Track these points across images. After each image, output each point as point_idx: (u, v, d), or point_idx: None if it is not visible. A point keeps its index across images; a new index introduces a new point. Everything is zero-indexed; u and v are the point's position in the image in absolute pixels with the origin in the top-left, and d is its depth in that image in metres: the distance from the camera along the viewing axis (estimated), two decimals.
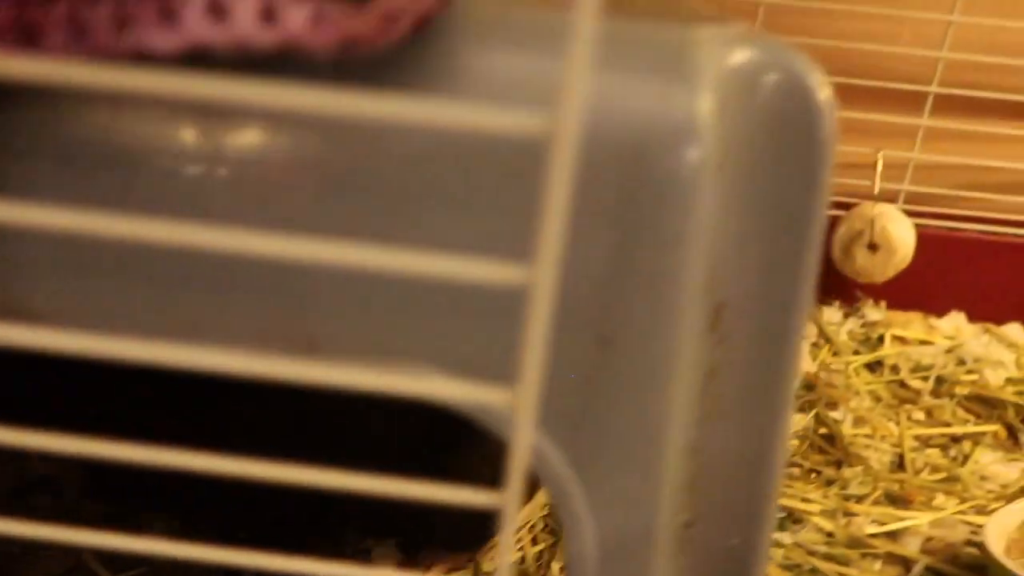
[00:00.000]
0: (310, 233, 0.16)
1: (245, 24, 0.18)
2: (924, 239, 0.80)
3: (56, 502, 0.52)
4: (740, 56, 0.23)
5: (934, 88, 0.76)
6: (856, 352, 0.78)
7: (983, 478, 0.63)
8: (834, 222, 0.80)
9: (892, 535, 0.56)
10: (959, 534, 0.55)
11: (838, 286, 0.84)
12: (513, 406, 0.17)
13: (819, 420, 0.69)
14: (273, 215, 0.22)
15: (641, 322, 0.23)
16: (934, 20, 0.76)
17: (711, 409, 0.29)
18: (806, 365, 0.75)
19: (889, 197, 0.80)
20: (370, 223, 0.22)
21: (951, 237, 0.82)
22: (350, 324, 0.23)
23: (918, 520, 0.56)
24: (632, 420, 0.24)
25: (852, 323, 0.82)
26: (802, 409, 0.70)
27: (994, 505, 0.58)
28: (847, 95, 0.78)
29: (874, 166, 0.77)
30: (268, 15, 0.18)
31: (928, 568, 0.52)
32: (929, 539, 0.55)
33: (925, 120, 0.78)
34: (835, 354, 0.78)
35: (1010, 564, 0.46)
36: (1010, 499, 0.58)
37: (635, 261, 0.22)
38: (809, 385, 0.73)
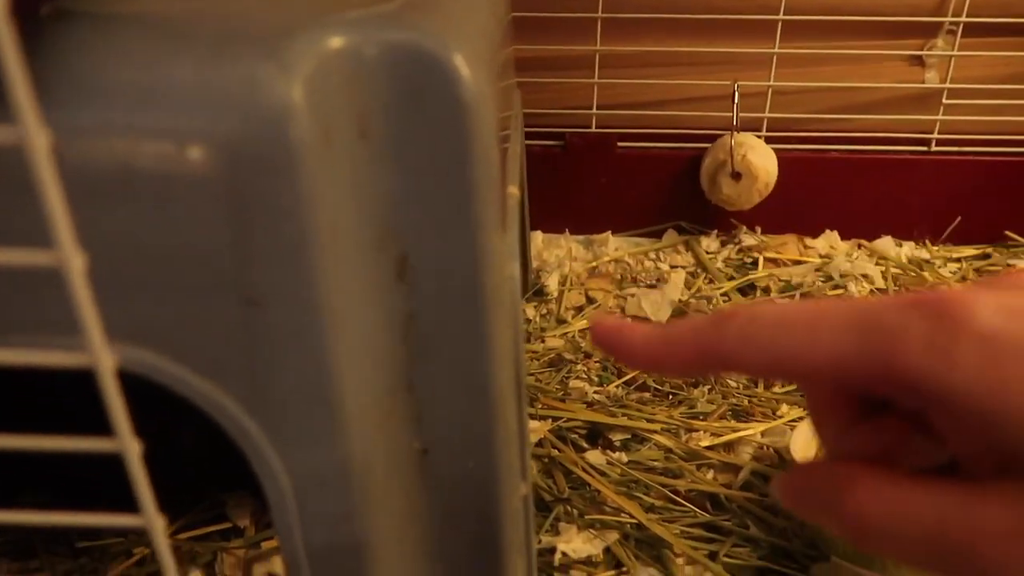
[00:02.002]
0: None
1: None
2: (790, 163, 0.83)
3: None
4: (343, 39, 0.26)
5: (781, 16, 0.78)
6: (731, 278, 0.82)
7: None
8: (703, 154, 0.83)
9: (729, 446, 0.60)
10: (787, 440, 0.59)
11: (716, 216, 0.87)
12: (94, 360, 0.21)
13: None
14: None
15: (280, 284, 0.26)
16: None
17: (418, 349, 0.33)
18: (678, 294, 0.79)
19: (752, 126, 0.83)
20: None
21: (817, 159, 0.85)
22: None
23: (752, 430, 0.61)
24: (296, 371, 0.27)
25: (729, 250, 0.86)
26: None
27: None
28: (702, 30, 0.81)
29: (732, 97, 0.80)
30: None
31: (754, 472, 0.57)
32: (761, 447, 0.60)
33: (777, 48, 0.80)
34: (710, 281, 0.82)
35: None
36: None
37: (259, 232, 0.25)
38: (680, 313, 0.77)
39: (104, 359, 0.21)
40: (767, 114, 0.83)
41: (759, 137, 0.82)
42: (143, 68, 0.24)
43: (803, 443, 0.54)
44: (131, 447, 0.22)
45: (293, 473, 0.29)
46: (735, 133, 0.79)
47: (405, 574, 0.34)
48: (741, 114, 0.80)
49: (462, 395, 0.34)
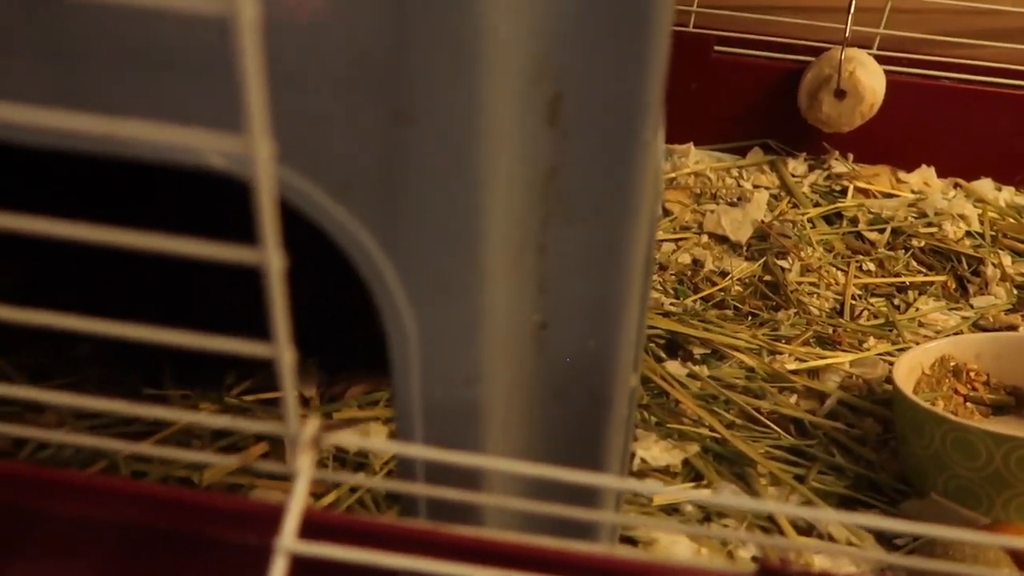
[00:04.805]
0: None
1: None
2: (897, 87, 0.77)
3: None
4: None
5: None
6: (817, 204, 0.77)
7: (921, 324, 0.64)
8: (805, 68, 0.78)
9: (813, 373, 0.57)
10: (879, 372, 0.56)
11: (806, 138, 0.82)
12: (248, 151, 0.17)
13: (766, 268, 0.69)
14: None
15: (439, 97, 0.22)
16: None
17: (555, 208, 0.29)
18: (760, 214, 0.74)
19: (864, 42, 0.77)
20: None
21: (927, 85, 0.78)
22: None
23: (840, 359, 0.57)
24: (442, 208, 0.24)
25: (817, 175, 0.81)
26: (751, 258, 0.71)
27: None
28: None
29: (847, 8, 0.73)
30: None
31: (841, 402, 0.54)
32: (849, 376, 0.56)
33: None
34: (794, 206, 0.77)
35: (910, 395, 0.47)
36: None
37: (422, 31, 0.21)
38: (762, 235, 0.73)
39: (262, 148, 0.18)
40: (881, 30, 0.77)
41: (870, 55, 0.76)
42: None
43: (905, 372, 0.50)
44: (275, 261, 0.19)
45: (422, 322, 0.26)
46: (845, 47, 0.73)
47: (510, 442, 0.31)
48: (853, 28, 0.74)
49: (594, 265, 0.30)
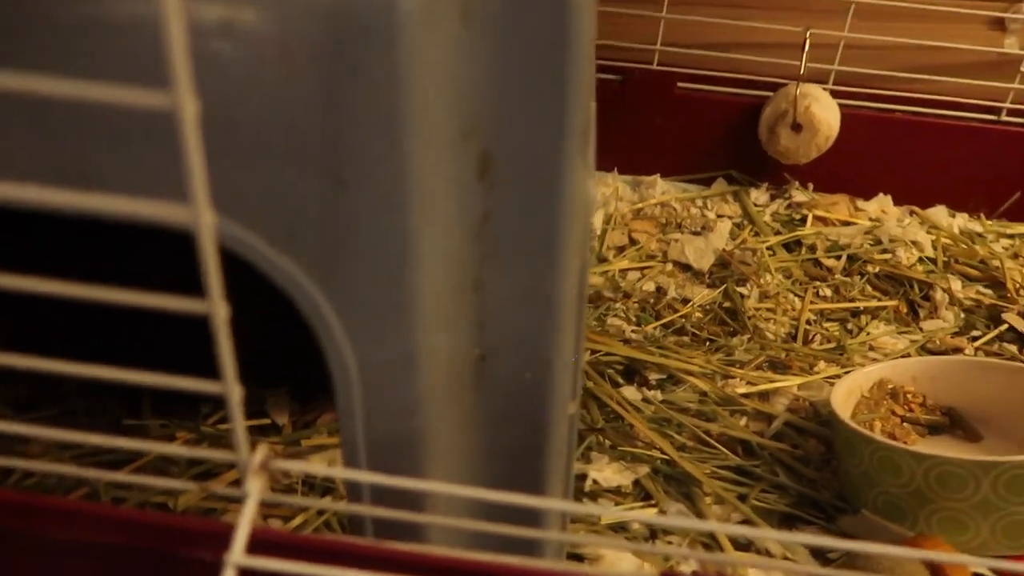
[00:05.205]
0: None
1: None
2: (853, 120, 0.80)
3: None
4: None
5: None
6: (777, 232, 0.81)
7: (872, 348, 0.67)
8: (764, 103, 0.81)
9: (764, 395, 0.60)
10: (824, 394, 0.59)
11: (768, 169, 0.85)
12: (195, 219, 0.21)
13: (726, 295, 0.72)
14: None
15: (371, 162, 0.25)
16: None
17: (490, 251, 0.32)
18: (722, 243, 0.78)
19: (819, 77, 0.81)
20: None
21: (880, 118, 0.82)
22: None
23: (789, 383, 0.60)
24: (377, 259, 0.27)
25: (778, 204, 0.84)
26: (713, 285, 0.74)
27: None
28: None
29: (803, 46, 0.77)
30: None
31: (787, 423, 0.57)
32: (797, 399, 0.59)
33: None
34: (756, 234, 0.80)
35: (842, 416, 0.50)
36: None
37: (357, 104, 0.25)
38: (724, 263, 0.76)
39: (205, 216, 0.21)
40: (836, 66, 0.80)
41: (825, 90, 0.79)
42: None
43: (844, 395, 0.53)
44: (220, 310, 0.22)
45: (362, 360, 0.29)
46: (800, 83, 0.77)
47: (454, 470, 0.34)
48: (809, 65, 0.78)
49: (527, 302, 0.33)
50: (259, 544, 0.26)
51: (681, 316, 0.69)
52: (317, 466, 0.39)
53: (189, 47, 0.23)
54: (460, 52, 0.27)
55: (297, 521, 0.46)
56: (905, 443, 0.51)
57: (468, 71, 0.28)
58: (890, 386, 0.55)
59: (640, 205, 0.83)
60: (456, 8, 0.26)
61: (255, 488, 0.26)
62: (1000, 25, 0.80)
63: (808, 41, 0.77)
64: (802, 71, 0.77)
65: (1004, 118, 0.81)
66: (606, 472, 0.51)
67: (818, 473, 0.53)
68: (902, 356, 0.64)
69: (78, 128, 0.26)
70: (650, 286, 0.73)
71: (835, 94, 0.80)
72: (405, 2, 0.24)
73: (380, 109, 0.25)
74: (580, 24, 0.28)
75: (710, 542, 0.47)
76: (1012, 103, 0.80)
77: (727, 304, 0.71)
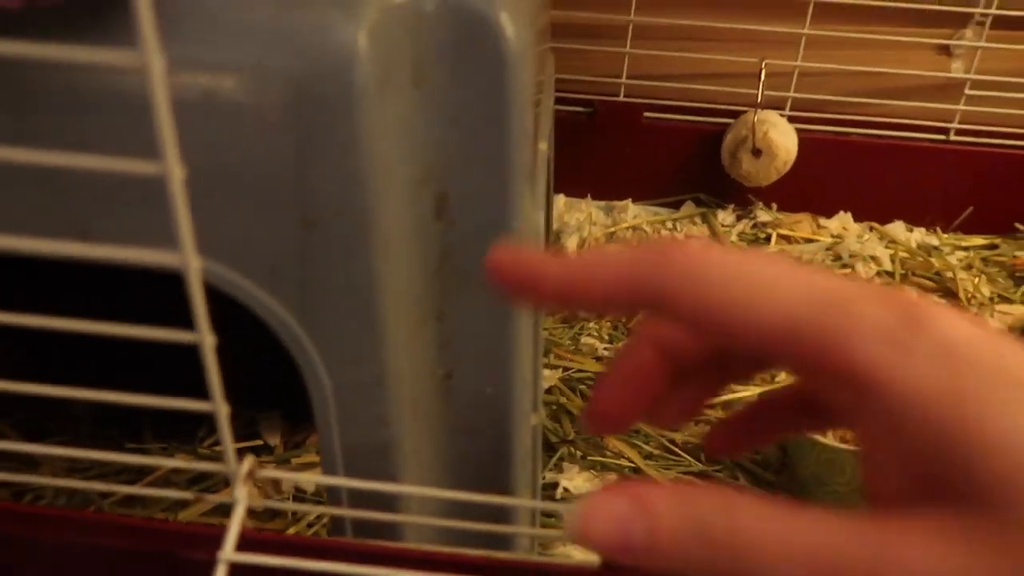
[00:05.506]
0: None
1: None
2: (811, 143, 0.85)
3: None
4: None
5: None
6: None
7: None
8: (725, 130, 0.86)
9: (727, 405, 0.64)
10: None
11: (734, 191, 0.90)
12: (183, 263, 0.25)
13: None
14: None
15: (336, 210, 0.29)
16: None
17: (450, 283, 0.36)
18: None
19: (776, 105, 0.85)
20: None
21: (837, 141, 0.87)
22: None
23: (750, 392, 0.64)
24: (346, 292, 0.31)
25: (744, 225, 0.89)
26: None
27: None
28: (734, 8, 0.83)
29: (759, 75, 0.82)
30: None
31: None
32: None
33: (807, 29, 0.82)
34: None
35: None
36: None
37: (322, 161, 0.29)
38: None
39: (193, 261, 0.25)
40: (792, 94, 0.85)
41: (782, 116, 0.84)
42: (229, 9, 0.28)
43: None
44: (208, 340, 0.26)
45: (335, 380, 0.33)
46: (758, 110, 0.82)
47: (424, 476, 0.38)
48: (766, 93, 0.82)
49: (486, 327, 0.37)
50: (248, 544, 0.29)
51: None
52: (298, 474, 0.43)
53: (174, 116, 0.27)
54: (413, 110, 0.31)
55: (292, 530, 0.50)
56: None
57: (421, 125, 0.32)
58: None
59: (613, 229, 0.87)
60: (407, 75, 0.31)
61: (243, 494, 0.30)
62: (946, 51, 0.85)
63: (764, 71, 0.82)
64: (759, 99, 0.82)
65: (953, 138, 0.86)
66: (576, 480, 0.54)
67: (776, 476, 0.57)
68: None
69: (78, 188, 0.30)
70: None
71: (793, 119, 0.85)
72: (360, 76, 0.28)
73: (343, 164, 0.29)
74: (518, 79, 0.33)
75: None
76: (960, 123, 0.85)
77: None
